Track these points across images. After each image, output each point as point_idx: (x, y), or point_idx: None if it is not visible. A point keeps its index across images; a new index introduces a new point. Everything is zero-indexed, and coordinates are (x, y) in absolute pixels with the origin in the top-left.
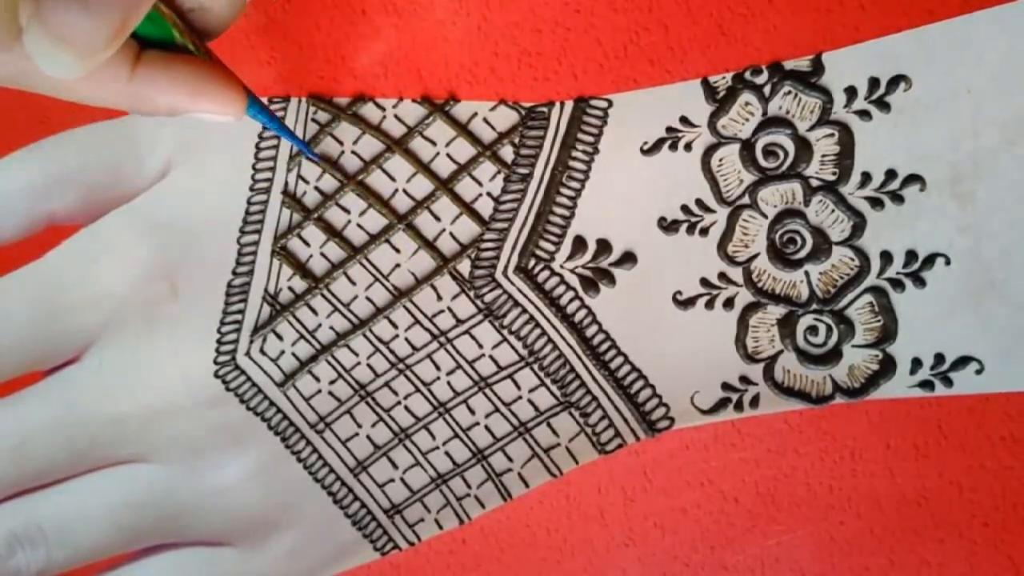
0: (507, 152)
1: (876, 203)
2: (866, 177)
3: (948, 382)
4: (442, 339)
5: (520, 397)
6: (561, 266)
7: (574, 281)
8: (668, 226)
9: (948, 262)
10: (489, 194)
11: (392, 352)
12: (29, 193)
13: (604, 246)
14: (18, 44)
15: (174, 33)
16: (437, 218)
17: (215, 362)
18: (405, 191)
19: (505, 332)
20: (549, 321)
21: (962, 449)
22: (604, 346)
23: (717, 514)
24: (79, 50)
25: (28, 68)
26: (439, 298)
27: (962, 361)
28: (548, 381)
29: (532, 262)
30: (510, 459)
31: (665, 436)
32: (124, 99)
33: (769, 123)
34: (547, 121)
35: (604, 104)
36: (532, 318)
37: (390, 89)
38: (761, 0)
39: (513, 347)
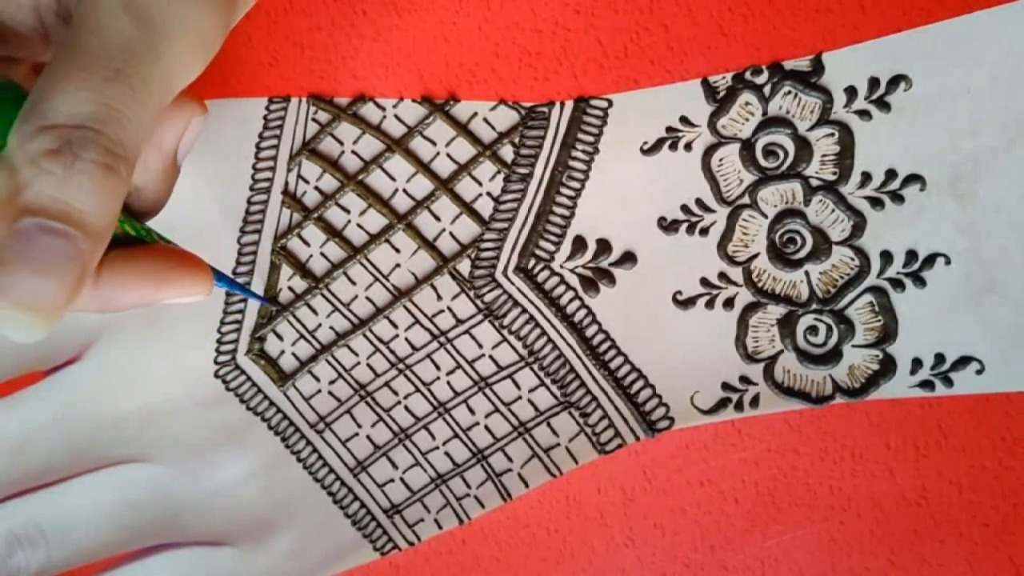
0: (507, 152)
1: (876, 203)
2: (866, 177)
3: (948, 382)
4: (442, 339)
5: (520, 397)
6: (561, 266)
7: (574, 281)
8: (668, 226)
9: (948, 262)
10: (489, 194)
11: (392, 352)
12: None
13: (604, 246)
14: None
15: (125, 228)
16: (437, 218)
17: (215, 362)
18: (405, 191)
19: (505, 332)
20: (549, 321)
21: (962, 449)
22: (604, 346)
23: (717, 514)
24: (42, 312)
25: None
26: (439, 298)
27: (962, 361)
28: (548, 381)
29: (532, 262)
30: (510, 459)
31: (665, 436)
32: (91, 304)
33: (769, 123)
34: (547, 121)
35: (604, 104)
36: (532, 318)
37: (390, 89)
38: (761, 0)
39: (513, 347)
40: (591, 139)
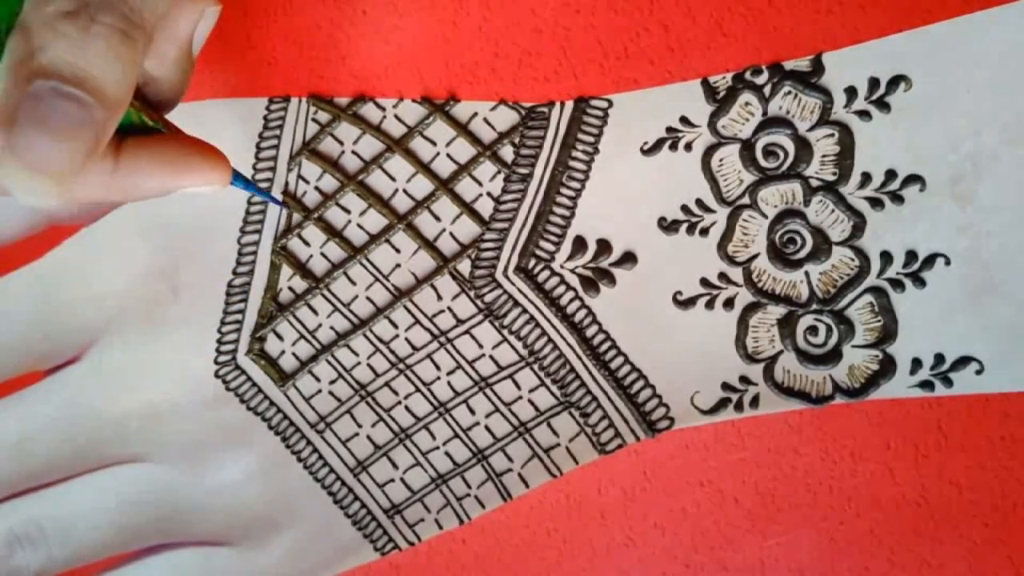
0: (507, 152)
1: (876, 203)
2: (866, 177)
3: (948, 382)
4: (442, 339)
5: (520, 397)
6: (561, 266)
7: (574, 281)
8: (668, 226)
9: (948, 262)
10: (489, 194)
11: (392, 352)
12: None
13: (604, 246)
14: None
15: (142, 118)
16: (437, 218)
17: (215, 362)
18: (405, 191)
19: (505, 332)
20: (549, 321)
21: (962, 449)
22: (604, 346)
23: (717, 514)
24: (54, 176)
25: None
26: (439, 298)
27: (962, 361)
28: (548, 381)
29: (532, 262)
30: (510, 459)
31: (665, 436)
32: (112, 192)
33: (769, 123)
34: (547, 121)
35: (604, 104)
36: (532, 318)
37: (390, 89)
38: (761, 0)
39: (513, 347)
40: (591, 139)
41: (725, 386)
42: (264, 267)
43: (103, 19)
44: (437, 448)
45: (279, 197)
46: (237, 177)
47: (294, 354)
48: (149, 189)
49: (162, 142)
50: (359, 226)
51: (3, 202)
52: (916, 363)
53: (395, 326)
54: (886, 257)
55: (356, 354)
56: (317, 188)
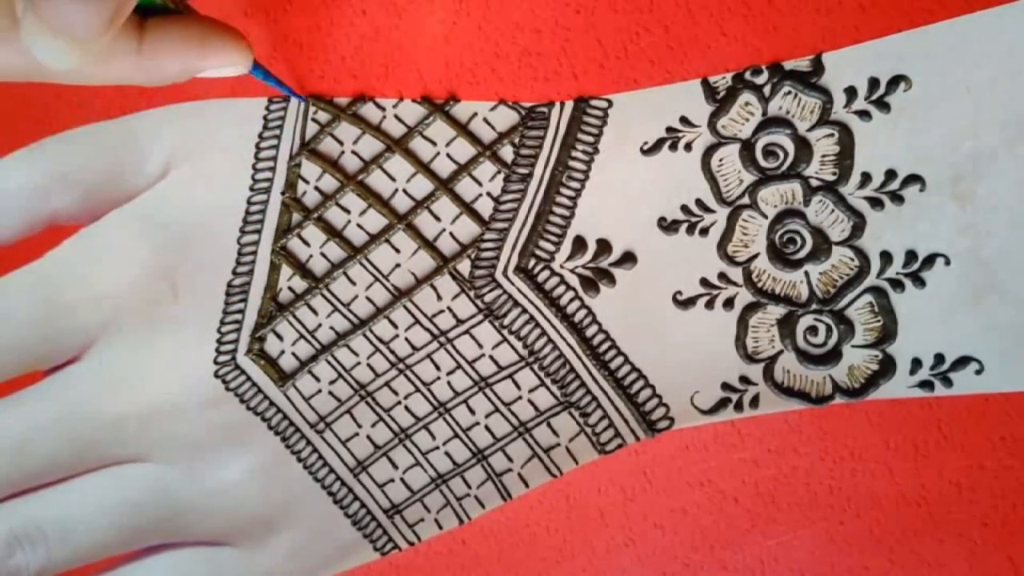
0: (507, 152)
1: (876, 203)
2: (866, 177)
3: (948, 382)
4: (442, 339)
5: (520, 397)
6: (561, 266)
7: (574, 281)
8: (668, 226)
9: (948, 262)
10: (489, 194)
11: (392, 352)
12: (29, 193)
13: (604, 246)
14: (17, 36)
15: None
16: (437, 218)
17: (215, 362)
18: (405, 191)
19: (505, 332)
20: (549, 321)
21: (962, 449)
22: (604, 346)
23: (717, 514)
24: (77, 38)
25: (32, 60)
26: (439, 298)
27: (962, 361)
28: (548, 381)
29: (532, 262)
30: (510, 459)
31: (665, 436)
32: (136, 72)
33: (769, 123)
34: (547, 121)
35: (604, 104)
36: (532, 318)
37: (390, 89)
38: (761, 0)
39: (513, 347)
40: (591, 139)
41: (725, 386)
42: (264, 267)
43: None
44: (437, 448)
45: (278, 199)
46: (257, 66)
47: (294, 354)
48: (172, 70)
49: (184, 23)
50: (359, 226)
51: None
52: (916, 363)
53: (395, 326)
54: (886, 257)
55: (356, 354)
56: (317, 188)
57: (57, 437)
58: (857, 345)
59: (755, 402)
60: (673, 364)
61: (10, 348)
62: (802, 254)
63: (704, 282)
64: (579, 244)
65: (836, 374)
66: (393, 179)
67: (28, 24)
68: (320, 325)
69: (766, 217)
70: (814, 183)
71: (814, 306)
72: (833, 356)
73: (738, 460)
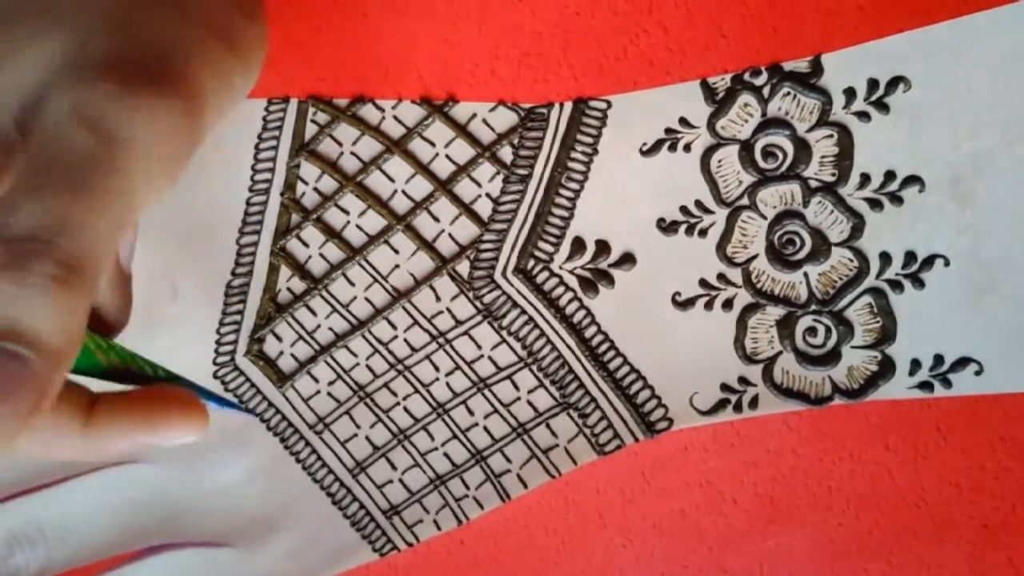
0: (506, 153)
1: (875, 204)
2: (865, 178)
3: (947, 383)
4: (441, 340)
5: (519, 398)
6: (560, 267)
7: (573, 282)
8: (667, 227)
9: (947, 263)
10: (488, 195)
11: (391, 353)
12: None
13: (603, 247)
14: None
15: (111, 355)
16: (436, 219)
17: (214, 363)
18: (404, 192)
19: (504, 333)
20: (548, 322)
21: (961, 450)
22: (603, 347)
23: (716, 515)
24: None
25: None
26: (438, 299)
27: (961, 362)
28: (547, 382)
29: (531, 263)
30: (509, 460)
31: (664, 437)
32: (79, 453)
33: (768, 124)
34: (546, 122)
35: (603, 105)
36: (531, 319)
37: (390, 90)
38: (761, 0)
39: (512, 348)
40: (590, 140)
41: (724, 387)
42: (263, 268)
43: (36, 267)
44: (436, 449)
45: (278, 200)
46: (217, 401)
47: (293, 355)
48: (122, 448)
49: (135, 402)
50: (358, 227)
51: None
52: (915, 364)
53: (394, 327)
54: (885, 258)
55: (355, 355)
56: (316, 189)
57: None
58: (856, 346)
59: (754, 403)
60: (672, 365)
61: None
62: (801, 255)
63: (703, 283)
64: (578, 245)
65: (835, 375)
66: (392, 180)
67: None
68: (319, 326)
69: (765, 218)
70: (813, 184)
71: (813, 307)
72: (832, 357)
73: (737, 461)
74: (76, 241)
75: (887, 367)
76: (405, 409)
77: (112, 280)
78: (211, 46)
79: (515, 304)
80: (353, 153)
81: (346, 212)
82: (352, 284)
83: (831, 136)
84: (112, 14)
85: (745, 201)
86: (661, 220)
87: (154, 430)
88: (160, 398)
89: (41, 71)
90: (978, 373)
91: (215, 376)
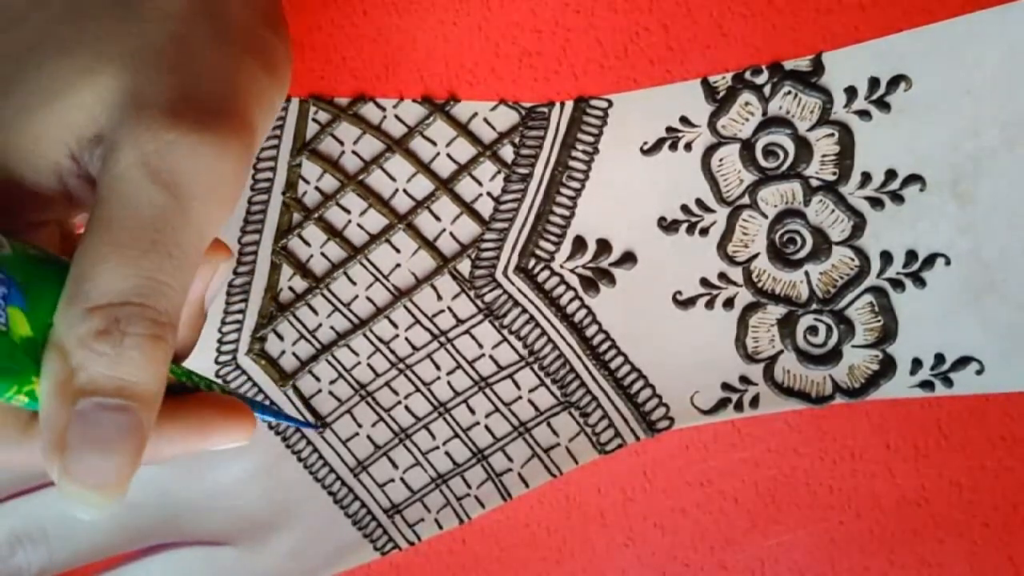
0: (507, 152)
1: (876, 203)
2: (866, 177)
3: (948, 382)
4: (442, 339)
5: (520, 397)
6: (561, 266)
7: (574, 281)
8: (668, 226)
9: (948, 262)
10: (489, 194)
11: (392, 352)
12: None
13: (604, 246)
14: (28, 442)
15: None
16: (437, 218)
17: (216, 361)
18: (405, 191)
19: (505, 332)
20: (549, 321)
21: (962, 449)
22: (604, 346)
23: (717, 514)
24: (109, 488)
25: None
26: (439, 298)
27: (962, 361)
28: (548, 381)
29: (532, 262)
30: (510, 459)
31: (665, 436)
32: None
33: (769, 123)
34: (547, 121)
35: (604, 104)
36: (532, 318)
37: (390, 89)
38: (761, 0)
39: (513, 347)
40: (591, 139)
41: (725, 386)
42: (264, 267)
43: (134, 330)
44: (437, 448)
45: (279, 199)
46: (263, 412)
47: (294, 354)
48: (174, 452)
49: (188, 408)
50: (359, 226)
51: None
52: (916, 363)
53: (395, 326)
54: (886, 257)
55: (356, 354)
56: (317, 188)
57: None
58: (857, 345)
59: (755, 402)
60: (673, 364)
61: None
62: (802, 254)
63: (704, 282)
64: (579, 244)
65: (836, 374)
66: (393, 179)
67: (65, 487)
68: (320, 325)
69: (766, 217)
70: (814, 183)
71: (814, 306)
72: (833, 356)
73: (738, 460)
74: (165, 299)
75: (888, 366)
76: (406, 408)
77: (192, 317)
78: (255, 72)
79: (516, 303)
80: (354, 152)
81: (347, 211)
82: (353, 283)
83: (832, 135)
84: (163, 48)
85: (746, 200)
86: (662, 219)
87: (205, 437)
88: (211, 406)
89: (97, 108)
90: (979, 372)
91: (217, 375)
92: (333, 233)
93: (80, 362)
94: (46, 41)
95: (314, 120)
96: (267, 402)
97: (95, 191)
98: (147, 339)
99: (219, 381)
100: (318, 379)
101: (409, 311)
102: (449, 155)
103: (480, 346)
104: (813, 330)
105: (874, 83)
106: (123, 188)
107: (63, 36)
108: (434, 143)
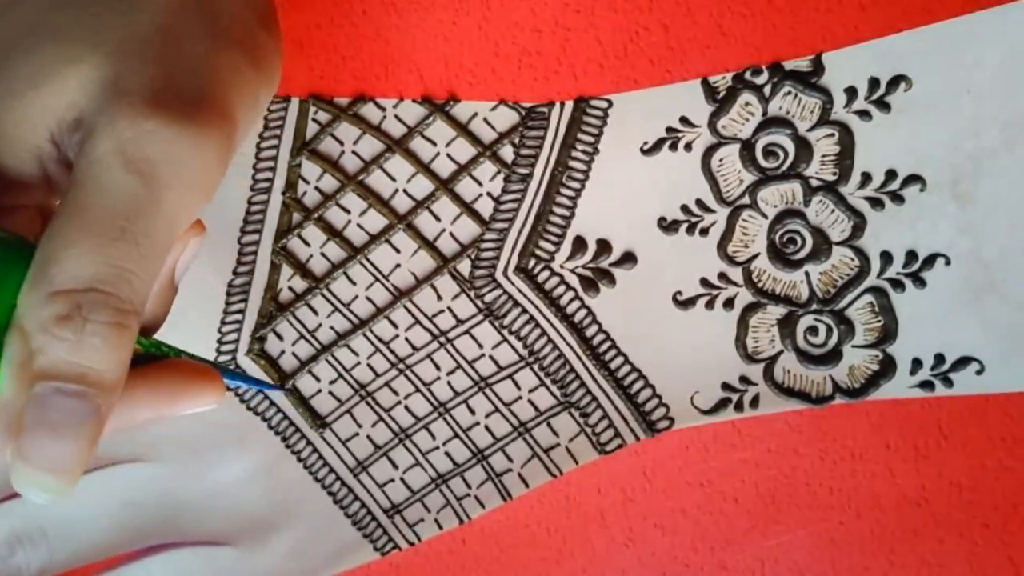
0: (507, 152)
1: (876, 203)
2: (866, 177)
3: (948, 382)
4: (442, 339)
5: (520, 397)
6: (561, 266)
7: (574, 281)
8: (668, 226)
9: (948, 262)
10: (489, 194)
11: (392, 352)
12: None
13: (604, 246)
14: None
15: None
16: (437, 218)
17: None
18: (405, 191)
19: (505, 332)
20: (549, 321)
21: (962, 449)
22: (604, 346)
23: (717, 515)
24: (64, 473)
25: None
26: (439, 298)
27: (962, 361)
28: (548, 381)
29: (532, 262)
30: (510, 459)
31: (665, 436)
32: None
33: (769, 123)
34: (547, 121)
35: (604, 104)
36: (532, 318)
37: (390, 89)
38: (761, 0)
39: (513, 347)
40: (591, 139)
41: (725, 386)
42: (264, 267)
43: (97, 317)
44: (437, 448)
45: (279, 199)
46: (231, 377)
47: (294, 354)
48: (143, 417)
49: (156, 373)
50: (359, 226)
51: None
52: (916, 363)
53: (395, 326)
54: (886, 257)
55: (356, 354)
56: (317, 188)
57: None
58: (857, 345)
59: (755, 402)
60: (673, 364)
61: None
62: (802, 254)
63: (704, 282)
64: (579, 244)
65: (836, 374)
66: (393, 179)
67: (18, 470)
68: (320, 325)
69: (766, 217)
70: (814, 183)
71: (814, 306)
72: (833, 356)
73: (738, 460)
74: (130, 287)
75: (888, 366)
76: (406, 408)
77: (161, 291)
78: (240, 66)
79: (516, 303)
80: (354, 152)
81: (347, 211)
82: (353, 283)
83: (832, 135)
84: (150, 39)
85: (746, 200)
86: (662, 219)
87: (174, 400)
88: (179, 369)
89: (79, 94)
90: (979, 372)
91: None
92: (333, 233)
93: (40, 346)
94: (38, 29)
95: (314, 120)
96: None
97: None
98: (109, 327)
99: (187, 351)
100: (318, 379)
101: (409, 311)
102: (449, 155)
103: (480, 346)
104: (813, 330)
105: (874, 83)
106: (97, 173)
107: (55, 23)
108: (434, 143)
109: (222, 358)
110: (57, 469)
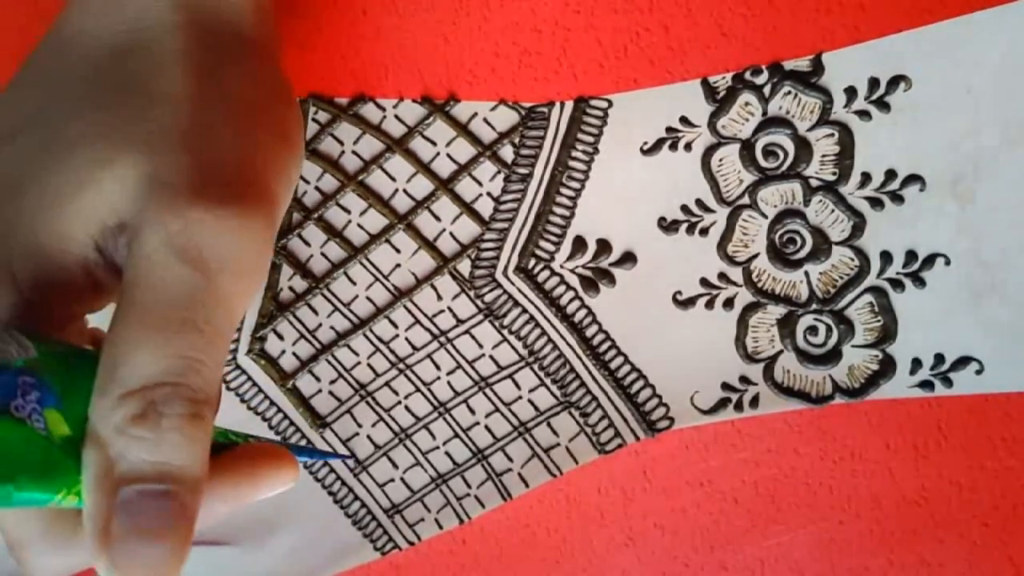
0: (507, 152)
1: (876, 203)
2: (866, 177)
3: (948, 382)
4: (442, 339)
5: (520, 397)
6: (561, 266)
7: (574, 281)
8: (668, 226)
9: (948, 262)
10: (489, 194)
11: (392, 352)
12: None
13: (604, 246)
14: (77, 543)
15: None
16: (437, 218)
17: None
18: (405, 191)
19: (505, 332)
20: (549, 321)
21: (962, 449)
22: (604, 346)
23: (717, 514)
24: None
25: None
26: (439, 298)
27: (962, 361)
28: (548, 381)
29: (532, 262)
30: (510, 459)
31: (665, 436)
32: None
33: (769, 123)
34: (547, 121)
35: (604, 104)
36: (532, 318)
37: (390, 89)
38: (761, 0)
39: (513, 347)
40: (591, 139)
41: (725, 386)
42: None
43: (172, 411)
44: (437, 448)
45: None
46: (300, 453)
47: (294, 354)
48: (226, 510)
49: (235, 464)
50: (359, 226)
51: None
52: (916, 363)
53: (395, 326)
54: (886, 257)
55: (356, 354)
56: (317, 188)
57: None
58: (857, 345)
59: (755, 402)
60: (673, 364)
61: None
62: (802, 254)
63: (704, 282)
64: (579, 244)
65: (836, 374)
66: (393, 179)
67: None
68: (320, 325)
69: (766, 217)
70: (814, 183)
71: (814, 306)
72: (833, 356)
73: (738, 460)
74: (199, 377)
75: (888, 366)
76: (406, 408)
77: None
78: (269, 144)
79: (516, 303)
80: (354, 152)
81: (347, 211)
82: (353, 283)
83: (832, 135)
84: (177, 130)
85: (746, 200)
86: (662, 219)
87: (255, 487)
88: (254, 456)
89: (118, 196)
90: (979, 372)
91: None
92: (333, 233)
93: (119, 451)
94: (59, 138)
95: (314, 120)
96: (303, 442)
97: (121, 279)
98: (185, 419)
99: (253, 435)
100: (318, 379)
101: (409, 311)
102: (449, 155)
103: (480, 346)
104: (813, 330)
105: (874, 83)
106: (150, 270)
107: (76, 131)
108: (434, 143)
109: None
110: (156, 574)
